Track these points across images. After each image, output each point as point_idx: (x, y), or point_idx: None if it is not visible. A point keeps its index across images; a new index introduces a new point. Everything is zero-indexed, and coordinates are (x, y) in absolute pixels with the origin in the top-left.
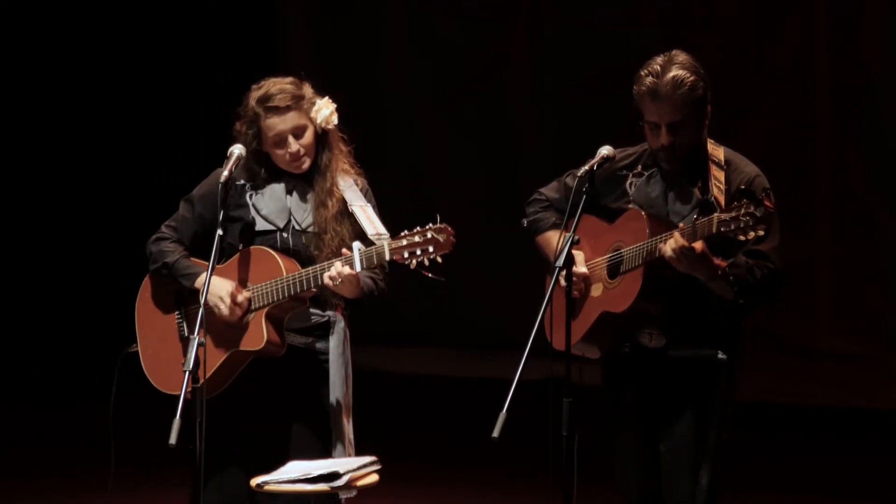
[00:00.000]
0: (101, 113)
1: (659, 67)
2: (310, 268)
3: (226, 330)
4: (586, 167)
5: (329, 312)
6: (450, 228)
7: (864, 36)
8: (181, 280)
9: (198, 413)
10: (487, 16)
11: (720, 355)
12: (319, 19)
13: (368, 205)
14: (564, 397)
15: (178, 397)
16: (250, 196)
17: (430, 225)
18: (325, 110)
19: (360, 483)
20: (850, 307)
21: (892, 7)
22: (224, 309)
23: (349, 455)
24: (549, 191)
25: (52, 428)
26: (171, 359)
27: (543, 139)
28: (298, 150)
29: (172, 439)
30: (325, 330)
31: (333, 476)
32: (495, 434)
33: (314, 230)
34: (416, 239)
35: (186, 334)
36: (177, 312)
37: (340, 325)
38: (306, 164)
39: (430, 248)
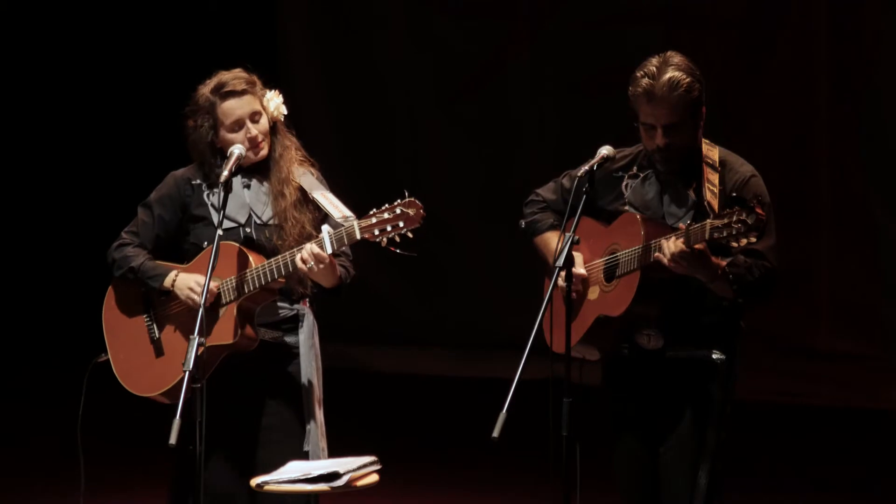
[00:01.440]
0: (100, 114)
1: (654, 69)
2: (279, 256)
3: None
4: (586, 167)
5: (297, 306)
6: (418, 202)
7: (864, 36)
8: (149, 282)
9: (198, 413)
10: (487, 16)
11: (719, 355)
12: (319, 19)
13: (329, 192)
14: (564, 397)
15: (149, 400)
16: (207, 195)
17: (399, 200)
18: (275, 99)
19: (360, 483)
20: (850, 307)
21: (892, 7)
22: (198, 298)
23: (322, 444)
24: (546, 192)
25: (52, 428)
26: (144, 362)
27: (543, 139)
28: (257, 135)
29: (172, 439)
30: (293, 323)
31: (333, 476)
32: (495, 434)
33: (275, 222)
34: (386, 216)
35: (157, 336)
36: (145, 316)
37: (309, 317)
38: (264, 149)
39: (401, 224)
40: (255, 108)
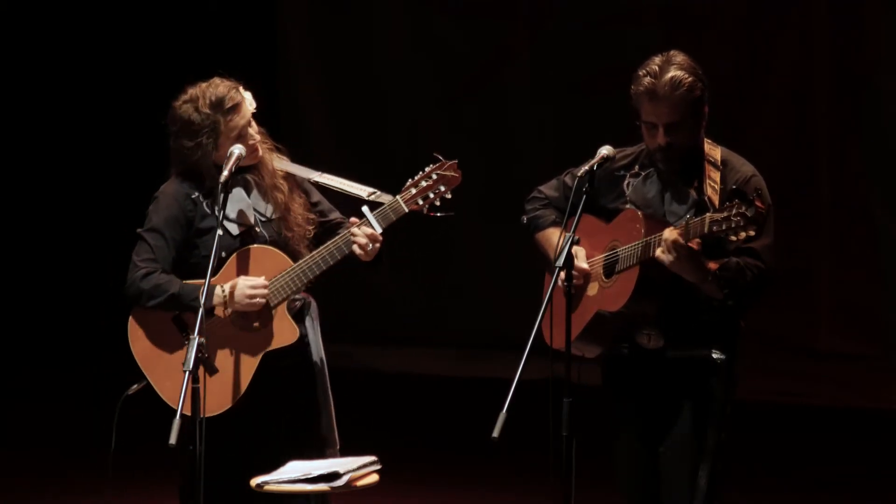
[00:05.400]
0: (100, 115)
1: (657, 68)
2: (320, 248)
3: (250, 336)
4: (586, 167)
5: (303, 296)
6: (451, 161)
7: (864, 36)
8: (193, 304)
9: (197, 413)
10: (487, 16)
11: (719, 355)
12: (319, 19)
13: (326, 173)
14: (564, 397)
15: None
16: (208, 206)
17: (431, 166)
18: (248, 96)
19: (360, 483)
20: (850, 307)
21: (893, 7)
22: (261, 299)
23: (334, 427)
24: (549, 189)
25: (54, 428)
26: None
27: (543, 139)
28: (256, 141)
29: (172, 439)
30: (300, 314)
31: (333, 476)
32: (495, 434)
33: (277, 215)
34: (423, 184)
35: (205, 355)
36: (184, 339)
37: (313, 305)
38: (262, 148)
39: (442, 188)
40: (248, 114)
